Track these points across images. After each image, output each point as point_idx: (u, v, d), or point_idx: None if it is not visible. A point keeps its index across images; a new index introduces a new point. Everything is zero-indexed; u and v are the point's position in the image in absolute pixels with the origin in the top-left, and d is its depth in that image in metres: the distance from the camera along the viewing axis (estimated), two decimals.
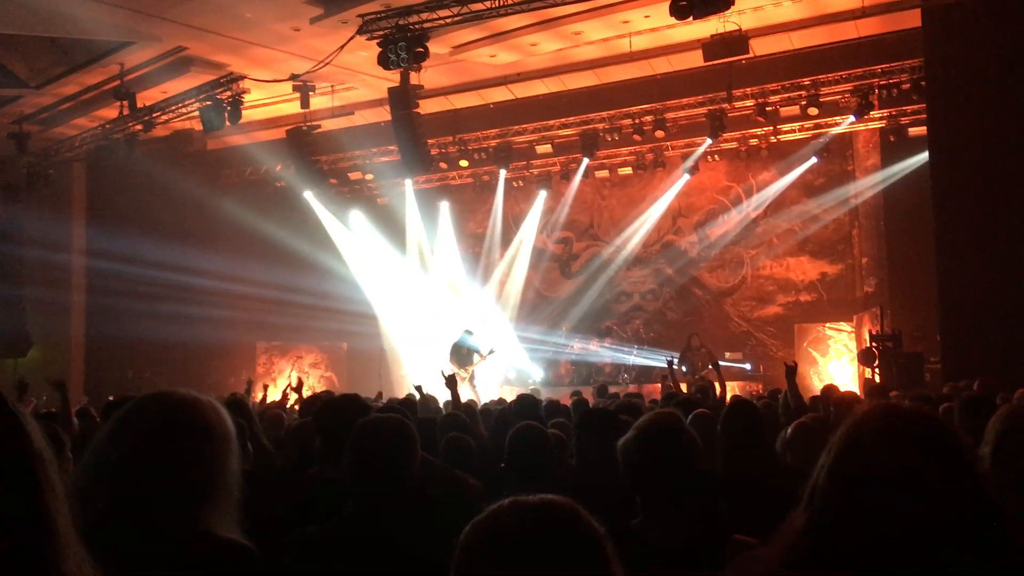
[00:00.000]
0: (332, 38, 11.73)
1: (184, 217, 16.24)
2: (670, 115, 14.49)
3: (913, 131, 13.43)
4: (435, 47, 11.56)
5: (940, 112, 10.74)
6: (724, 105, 13.82)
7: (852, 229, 15.36)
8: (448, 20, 11.04)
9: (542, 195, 17.02)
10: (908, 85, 12.77)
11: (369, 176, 17.49)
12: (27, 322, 16.43)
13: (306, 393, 9.24)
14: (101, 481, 1.68)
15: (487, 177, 16.95)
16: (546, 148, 16.07)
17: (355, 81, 14.21)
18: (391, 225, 17.71)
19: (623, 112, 14.75)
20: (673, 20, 10.09)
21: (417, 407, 6.50)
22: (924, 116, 11.86)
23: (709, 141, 14.56)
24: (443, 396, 7.42)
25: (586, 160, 15.60)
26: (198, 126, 14.48)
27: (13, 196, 16.19)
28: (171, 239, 15.33)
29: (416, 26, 11.00)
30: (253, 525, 1.84)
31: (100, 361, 16.72)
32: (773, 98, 13.71)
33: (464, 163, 16.13)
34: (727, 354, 14.65)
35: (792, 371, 6.20)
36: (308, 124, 14.63)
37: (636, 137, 14.80)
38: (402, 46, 10.90)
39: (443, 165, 16.27)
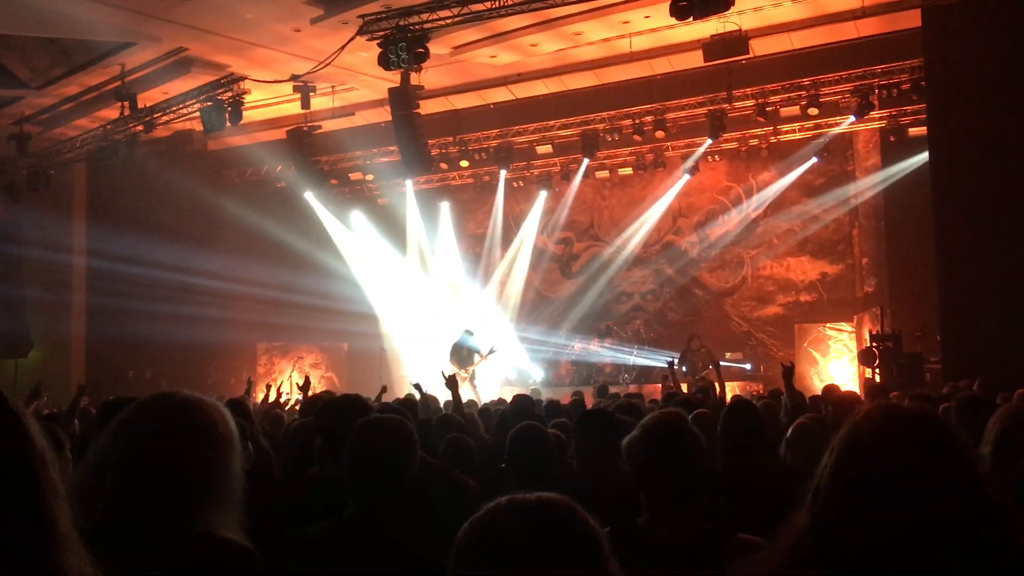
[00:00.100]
0: (333, 39, 11.73)
1: (185, 218, 16.24)
2: (670, 115, 14.49)
3: (913, 131, 13.44)
4: (435, 47, 11.56)
5: (940, 112, 10.74)
6: (724, 105, 13.82)
7: (852, 229, 15.36)
8: (448, 21, 11.04)
9: (542, 195, 17.03)
10: (908, 85, 12.78)
11: (369, 176, 17.50)
12: (28, 322, 16.43)
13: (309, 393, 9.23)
14: (103, 481, 1.69)
15: (487, 177, 16.96)
16: (546, 148, 16.08)
17: (355, 82, 14.21)
18: (391, 225, 17.72)
19: (623, 112, 14.76)
20: (673, 20, 10.09)
21: (418, 407, 6.51)
22: (924, 116, 11.86)
23: (709, 141, 14.55)
24: (443, 396, 7.42)
25: (586, 160, 15.60)
26: (199, 127, 14.47)
27: (14, 197, 16.19)
28: (172, 240, 15.34)
29: (416, 27, 11.00)
30: (253, 525, 1.84)
31: (100, 362, 16.72)
32: (773, 98, 13.71)
33: (464, 163, 16.13)
34: (727, 354, 14.66)
35: (789, 371, 6.21)
36: (309, 125, 14.63)
37: (636, 137, 14.80)
38: (402, 46, 10.90)
39: (443, 165, 16.28)
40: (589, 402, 8.73)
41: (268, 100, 14.97)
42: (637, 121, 14.66)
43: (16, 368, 15.54)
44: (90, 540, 1.10)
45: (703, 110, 14.12)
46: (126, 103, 13.83)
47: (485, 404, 8.97)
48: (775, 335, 15.62)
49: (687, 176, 15.65)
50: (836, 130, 14.39)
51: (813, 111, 13.54)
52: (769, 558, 1.51)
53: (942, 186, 10.58)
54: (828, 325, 14.97)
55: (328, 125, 15.17)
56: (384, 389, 8.77)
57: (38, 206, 16.10)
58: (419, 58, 11.00)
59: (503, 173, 16.43)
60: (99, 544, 1.12)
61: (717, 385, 7.91)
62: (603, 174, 16.50)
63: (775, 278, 15.90)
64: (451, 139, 15.81)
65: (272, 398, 8.85)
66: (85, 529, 1.10)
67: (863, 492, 1.38)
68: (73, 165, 16.84)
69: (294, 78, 13.30)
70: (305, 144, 14.57)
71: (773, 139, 14.88)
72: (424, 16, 10.97)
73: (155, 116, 14.47)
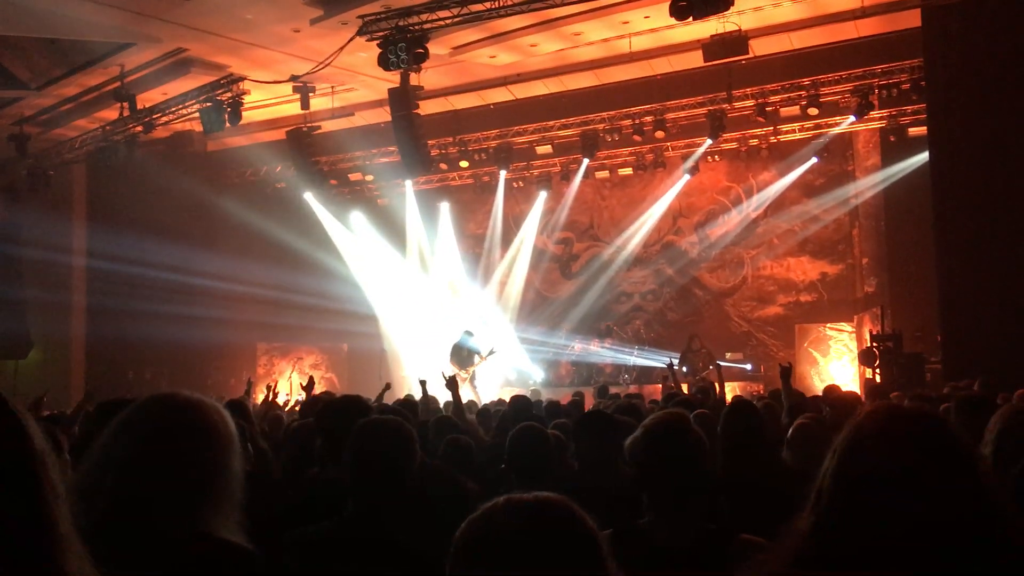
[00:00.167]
0: (332, 39, 11.73)
1: (185, 218, 16.24)
2: (670, 115, 14.49)
3: (913, 131, 13.44)
4: (435, 48, 11.56)
5: (940, 112, 10.73)
6: (724, 105, 13.82)
7: (852, 229, 15.36)
8: (448, 21, 11.04)
9: (542, 196, 17.03)
10: (908, 85, 12.78)
11: (369, 177, 17.50)
12: (27, 323, 16.42)
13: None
14: (103, 481, 1.69)
15: (487, 178, 16.96)
16: (546, 149, 16.08)
17: (355, 82, 14.21)
18: (391, 226, 17.72)
19: (623, 113, 14.76)
20: (673, 21, 10.09)
21: (418, 408, 6.51)
22: (924, 116, 11.86)
23: (709, 141, 14.56)
24: (443, 397, 7.43)
25: (586, 161, 15.60)
26: (198, 127, 14.47)
27: (14, 197, 16.19)
28: (172, 240, 15.34)
29: (416, 27, 11.01)
30: (253, 525, 1.84)
31: (100, 362, 16.71)
32: (773, 98, 13.71)
33: (464, 164, 16.13)
34: (728, 354, 14.66)
35: (787, 372, 6.21)
36: (308, 125, 14.64)
37: (636, 137, 14.80)
38: (402, 47, 10.90)
39: (443, 166, 16.28)
40: (589, 403, 8.74)
41: (268, 101, 14.97)
42: (637, 121, 14.66)
43: (16, 369, 15.54)
44: (90, 540, 1.10)
45: (703, 110, 14.13)
46: (126, 104, 13.83)
47: (485, 405, 8.97)
48: (775, 335, 15.62)
49: (687, 176, 15.65)
50: (836, 130, 14.39)
51: (813, 111, 13.54)
52: (773, 559, 1.51)
53: (942, 186, 10.58)
54: (828, 325, 14.98)
55: (328, 125, 15.18)
56: (388, 386, 8.77)
57: (38, 207, 16.10)
58: (419, 58, 11.00)
59: (503, 173, 16.43)
60: (99, 544, 1.12)
61: (717, 385, 7.92)
62: (603, 174, 16.50)
63: (775, 278, 15.90)
64: (451, 139, 15.81)
65: (270, 399, 8.84)
66: (85, 529, 1.10)
67: (865, 493, 1.39)
68: (73, 166, 16.84)
69: (294, 79, 13.30)
70: (305, 144, 14.57)
71: (773, 139, 14.89)
72: (424, 16, 10.97)
73: (155, 117, 14.47)
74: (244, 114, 13.72)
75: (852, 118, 13.70)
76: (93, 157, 15.70)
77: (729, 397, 8.22)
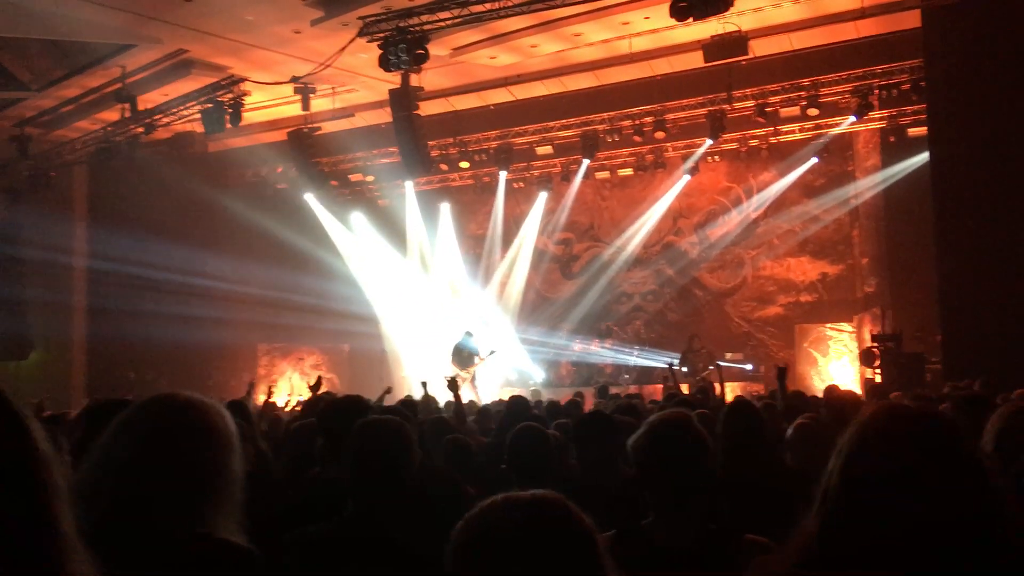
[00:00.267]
0: (333, 40, 11.74)
1: (186, 219, 16.24)
2: (670, 116, 14.49)
3: (913, 131, 13.43)
4: (435, 49, 11.57)
5: (940, 112, 10.74)
6: (724, 106, 13.82)
7: (852, 229, 15.36)
8: (448, 22, 11.05)
9: (542, 196, 17.03)
10: (908, 85, 12.78)
11: (370, 178, 17.51)
12: (28, 324, 16.43)
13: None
14: (104, 481, 1.69)
15: (488, 178, 16.96)
16: (546, 149, 16.08)
17: (356, 83, 14.22)
18: (392, 227, 17.72)
19: (623, 113, 14.76)
20: (673, 21, 10.09)
21: (419, 408, 6.51)
22: (924, 116, 11.86)
23: (709, 142, 14.56)
24: (444, 398, 7.43)
25: (586, 161, 15.61)
26: (199, 128, 14.49)
27: (15, 198, 16.20)
28: (173, 241, 15.34)
29: (416, 28, 11.01)
30: (253, 525, 1.85)
31: (101, 363, 16.72)
32: (773, 99, 13.71)
33: (465, 164, 16.14)
34: (728, 355, 14.66)
35: (783, 372, 6.22)
36: (309, 126, 14.64)
37: (636, 138, 14.81)
38: (402, 48, 10.91)
39: (444, 167, 16.28)
40: (589, 403, 8.73)
41: (268, 102, 14.97)
42: (637, 122, 14.67)
43: (17, 370, 15.54)
44: (91, 541, 1.10)
45: (703, 111, 14.13)
46: (127, 105, 13.84)
47: (486, 405, 8.98)
48: (775, 335, 15.62)
49: (687, 177, 15.65)
50: (836, 130, 14.39)
51: (813, 111, 13.55)
52: (780, 560, 1.52)
53: (942, 186, 10.58)
54: (828, 325, 14.98)
55: (328, 126, 15.18)
56: (389, 390, 8.77)
57: (39, 208, 16.10)
58: (419, 59, 11.01)
59: (503, 174, 16.43)
60: (100, 544, 1.13)
61: (718, 386, 7.92)
62: (603, 175, 16.51)
63: (775, 278, 15.90)
64: (451, 140, 15.82)
65: (269, 399, 8.85)
66: (86, 530, 1.11)
67: (866, 492, 1.39)
68: (74, 167, 16.85)
69: (294, 80, 13.31)
70: (305, 145, 14.57)
71: (773, 139, 14.89)
72: (424, 17, 10.98)
73: (156, 118, 14.48)
74: (245, 115, 13.73)
75: (852, 118, 13.70)
76: (94, 158, 15.71)
77: (729, 397, 8.22)
